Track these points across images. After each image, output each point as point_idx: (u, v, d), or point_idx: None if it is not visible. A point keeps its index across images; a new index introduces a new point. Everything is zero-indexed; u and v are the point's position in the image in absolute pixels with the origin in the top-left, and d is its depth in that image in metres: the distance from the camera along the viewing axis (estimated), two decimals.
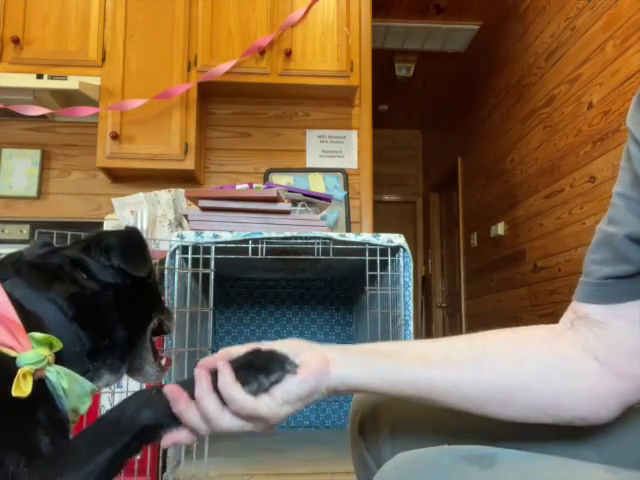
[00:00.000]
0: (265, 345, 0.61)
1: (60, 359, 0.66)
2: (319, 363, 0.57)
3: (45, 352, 0.63)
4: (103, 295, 0.73)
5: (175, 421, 0.57)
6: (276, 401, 0.55)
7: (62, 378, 0.65)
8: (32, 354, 0.62)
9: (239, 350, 0.60)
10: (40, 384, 0.63)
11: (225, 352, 0.60)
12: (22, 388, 0.59)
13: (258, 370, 0.57)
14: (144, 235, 0.81)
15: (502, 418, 0.58)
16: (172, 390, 0.55)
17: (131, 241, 0.77)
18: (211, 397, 0.55)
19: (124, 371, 0.79)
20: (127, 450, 0.57)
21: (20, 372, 0.60)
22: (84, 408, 0.69)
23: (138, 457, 1.75)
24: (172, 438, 0.57)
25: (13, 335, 0.62)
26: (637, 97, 0.53)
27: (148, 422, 0.57)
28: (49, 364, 0.64)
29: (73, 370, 0.67)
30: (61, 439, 0.63)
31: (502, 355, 0.59)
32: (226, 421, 0.55)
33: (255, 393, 0.55)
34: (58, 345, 0.65)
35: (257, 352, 0.60)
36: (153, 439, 0.58)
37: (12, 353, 0.61)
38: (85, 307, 0.72)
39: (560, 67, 2.87)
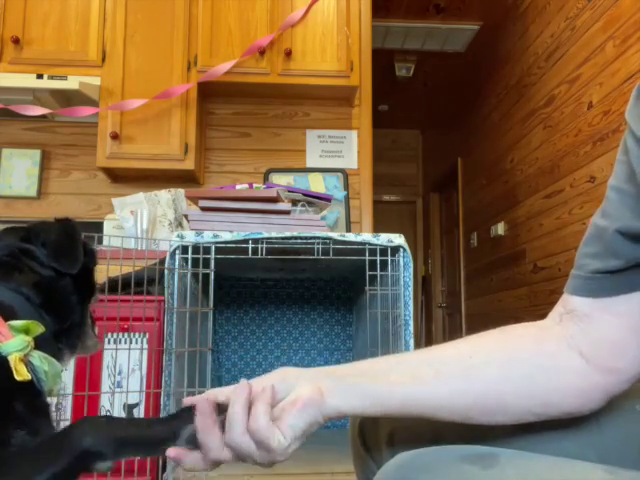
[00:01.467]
0: (256, 382, 0.60)
1: (34, 345, 0.68)
2: (315, 394, 0.57)
3: (27, 338, 0.65)
4: (60, 280, 0.77)
5: (117, 452, 0.58)
6: (286, 439, 0.55)
7: (43, 363, 0.67)
8: (17, 341, 0.64)
9: (224, 392, 0.59)
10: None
11: (212, 394, 0.60)
12: (21, 372, 0.61)
13: None
14: (76, 229, 0.84)
15: (491, 424, 0.59)
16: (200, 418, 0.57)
17: (62, 238, 0.79)
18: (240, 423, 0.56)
19: (79, 350, 0.83)
20: (68, 472, 0.57)
21: (14, 359, 0.62)
22: (57, 388, 0.72)
23: (138, 457, 1.75)
24: (179, 455, 0.57)
25: None
26: (636, 90, 0.53)
27: (89, 447, 0.57)
28: (32, 349, 0.66)
29: (45, 351, 0.70)
30: (44, 423, 0.65)
31: (490, 364, 0.59)
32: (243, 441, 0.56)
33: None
34: (37, 330, 0.68)
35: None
36: (93, 464, 0.58)
37: None
38: (48, 293, 0.75)
39: (560, 67, 2.87)
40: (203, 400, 0.58)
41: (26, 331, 0.67)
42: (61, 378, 0.73)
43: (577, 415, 0.58)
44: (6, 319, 0.66)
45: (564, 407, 0.57)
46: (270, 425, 0.55)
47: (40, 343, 0.69)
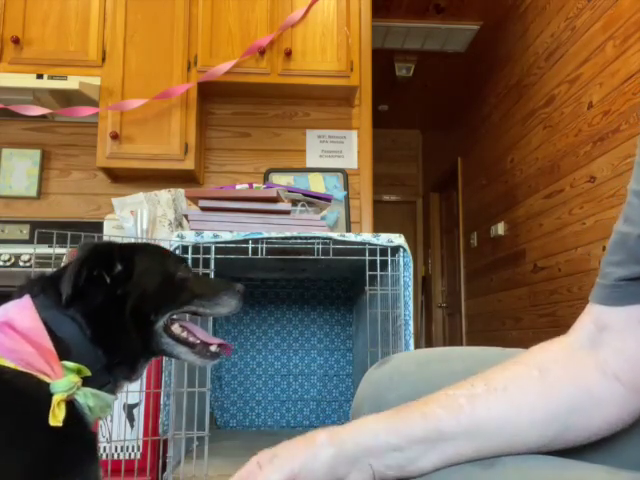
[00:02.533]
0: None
1: (83, 381, 0.73)
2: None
3: (75, 379, 0.70)
4: (108, 307, 0.80)
5: None
6: None
7: (88, 398, 0.72)
8: (64, 382, 0.68)
9: None
10: (69, 404, 0.69)
11: None
12: (57, 417, 0.65)
13: None
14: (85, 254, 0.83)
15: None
16: None
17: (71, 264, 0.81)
18: None
19: (140, 374, 0.86)
20: None
21: (55, 401, 0.66)
22: (105, 416, 0.78)
23: (138, 457, 1.75)
24: None
25: (48, 362, 0.69)
26: None
27: None
28: (78, 388, 0.70)
29: (95, 385, 0.74)
30: (95, 470, 0.70)
31: (531, 428, 0.55)
32: None
33: None
34: (86, 372, 0.72)
35: None
36: None
37: (46, 379, 0.68)
38: (98, 324, 0.78)
39: (560, 67, 2.87)
40: None
41: (77, 371, 0.71)
42: (111, 407, 0.78)
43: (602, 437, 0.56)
44: (61, 357, 0.70)
45: (597, 436, 0.55)
46: None
47: (89, 378, 0.74)
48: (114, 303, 0.80)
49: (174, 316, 0.89)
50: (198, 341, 0.93)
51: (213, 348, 0.94)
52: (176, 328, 0.90)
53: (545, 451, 0.55)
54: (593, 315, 0.57)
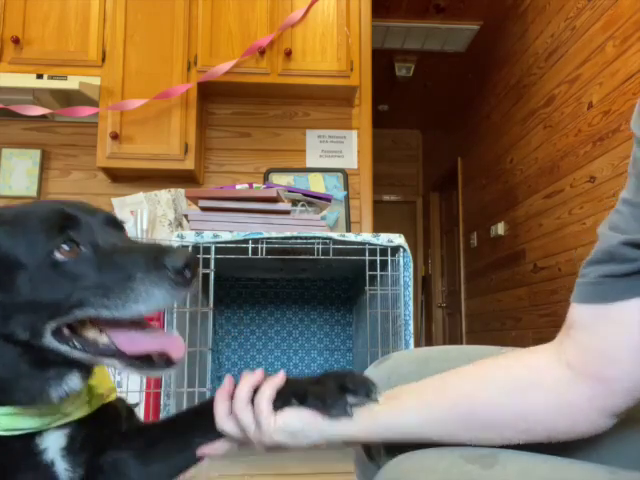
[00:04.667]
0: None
1: None
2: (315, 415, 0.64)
3: None
4: None
5: None
6: (275, 424, 0.64)
7: None
8: None
9: None
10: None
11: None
12: None
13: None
14: None
15: (476, 443, 0.58)
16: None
17: None
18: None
19: (68, 387, 0.62)
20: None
21: None
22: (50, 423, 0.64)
23: None
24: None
25: None
26: None
27: None
28: None
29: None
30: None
31: (465, 380, 0.60)
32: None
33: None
34: None
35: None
36: None
37: None
38: None
39: (560, 67, 2.87)
40: (228, 377, 0.70)
41: None
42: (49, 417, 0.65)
43: (574, 436, 0.55)
44: None
45: (550, 424, 0.55)
46: (267, 406, 0.64)
47: None
48: None
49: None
50: (113, 348, 0.60)
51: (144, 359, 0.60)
52: (91, 332, 0.60)
53: (498, 428, 0.57)
54: (567, 317, 0.59)
